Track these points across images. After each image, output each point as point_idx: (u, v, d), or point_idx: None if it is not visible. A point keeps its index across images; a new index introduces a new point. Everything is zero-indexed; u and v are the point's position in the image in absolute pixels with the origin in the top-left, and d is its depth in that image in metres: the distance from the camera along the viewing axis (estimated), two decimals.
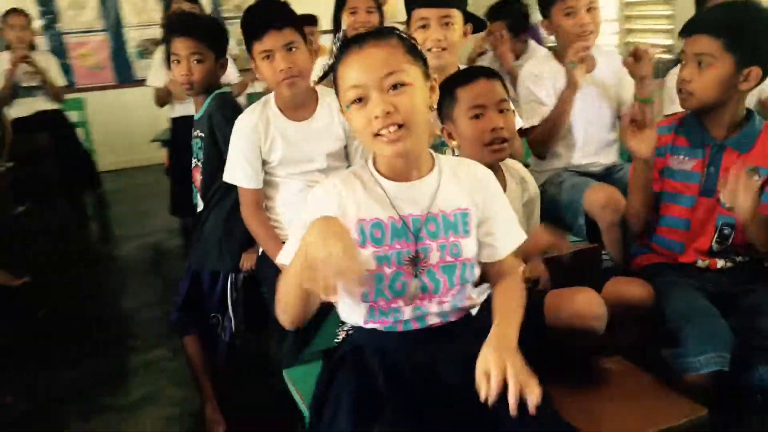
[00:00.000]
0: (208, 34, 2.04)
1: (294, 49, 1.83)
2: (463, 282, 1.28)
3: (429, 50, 1.97)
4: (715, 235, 1.64)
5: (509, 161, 1.75)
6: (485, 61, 3.36)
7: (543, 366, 1.22)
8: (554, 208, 2.16)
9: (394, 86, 1.17)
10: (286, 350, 1.70)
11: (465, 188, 1.29)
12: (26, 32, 4.12)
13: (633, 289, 1.61)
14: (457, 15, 2.00)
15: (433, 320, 1.27)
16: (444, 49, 1.99)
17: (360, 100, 1.18)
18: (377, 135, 1.18)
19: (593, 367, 1.58)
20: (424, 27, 1.99)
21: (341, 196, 1.24)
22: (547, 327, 1.49)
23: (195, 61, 1.99)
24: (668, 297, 1.58)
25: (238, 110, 2.02)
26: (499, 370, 1.09)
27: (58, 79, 4.24)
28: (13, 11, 4.13)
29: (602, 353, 1.62)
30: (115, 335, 2.89)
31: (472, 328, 1.31)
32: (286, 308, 1.19)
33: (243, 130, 1.90)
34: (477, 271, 1.32)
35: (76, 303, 3.21)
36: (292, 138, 1.90)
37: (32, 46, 4.17)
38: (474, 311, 1.35)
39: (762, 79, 1.59)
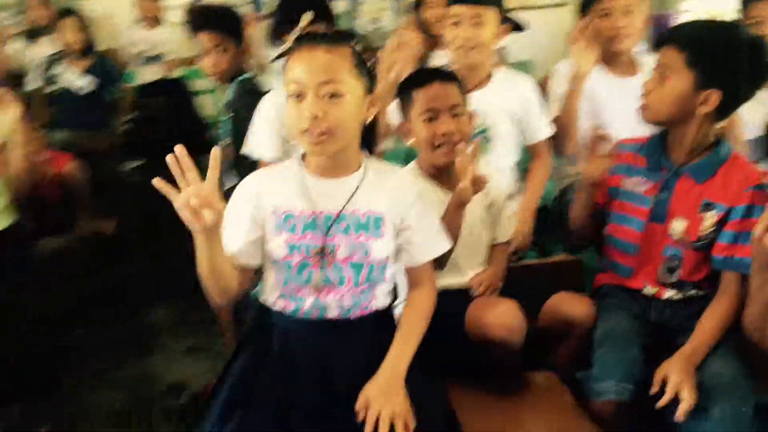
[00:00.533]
0: (226, 24, 2.23)
1: None
2: (369, 281, 1.39)
3: (459, 48, 2.04)
4: (662, 266, 1.59)
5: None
6: None
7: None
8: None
9: (331, 95, 1.27)
10: None
11: (385, 194, 1.38)
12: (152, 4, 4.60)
13: (574, 308, 1.62)
14: (490, 15, 2.01)
15: (332, 313, 1.39)
16: (472, 48, 2.02)
17: (298, 95, 1.29)
18: (304, 132, 1.29)
19: (518, 378, 1.63)
20: (456, 24, 2.03)
21: (261, 185, 1.39)
22: (468, 335, 1.56)
23: (220, 52, 2.20)
24: (600, 319, 1.58)
25: (258, 93, 2.19)
26: (375, 410, 1.24)
27: (180, 51, 4.68)
28: None
29: (537, 368, 1.67)
30: None
31: (373, 327, 1.41)
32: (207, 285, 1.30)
33: (267, 108, 2.07)
34: (388, 274, 1.42)
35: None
36: None
37: (157, 20, 4.66)
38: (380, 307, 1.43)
39: (725, 108, 1.51)
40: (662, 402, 1.37)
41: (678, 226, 1.56)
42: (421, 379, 1.38)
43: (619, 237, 1.67)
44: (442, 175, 1.72)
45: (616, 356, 1.47)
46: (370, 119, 1.38)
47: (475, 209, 1.73)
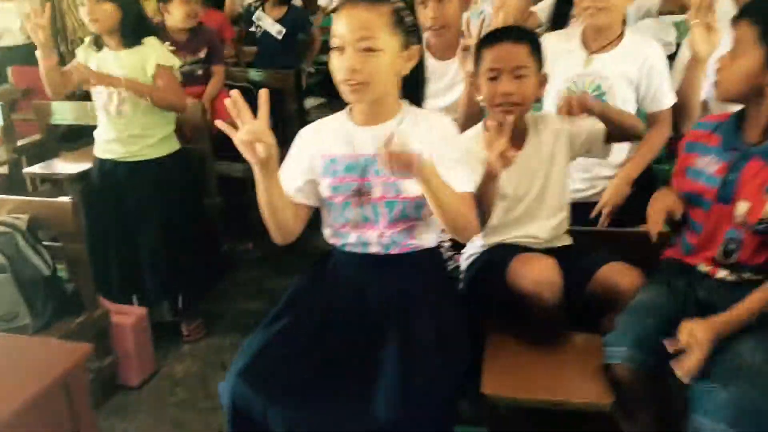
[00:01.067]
0: None
1: None
2: (403, 217, 1.54)
3: (586, 9, 2.03)
4: (721, 246, 1.55)
5: (542, 117, 1.86)
6: None
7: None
8: None
9: (367, 49, 1.44)
10: None
11: (419, 134, 1.50)
12: None
13: (623, 278, 1.66)
14: None
15: (374, 249, 1.58)
16: (600, 9, 2.00)
17: (340, 48, 1.46)
18: (344, 82, 1.47)
19: (559, 337, 1.72)
20: None
21: (314, 133, 1.61)
22: (509, 288, 1.67)
23: None
24: (641, 290, 1.59)
25: None
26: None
27: None
28: None
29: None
30: None
31: (413, 264, 1.58)
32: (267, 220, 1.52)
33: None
34: (425, 211, 1.55)
35: None
36: None
37: None
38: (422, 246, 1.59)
39: None
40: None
41: (742, 207, 1.51)
42: (457, 316, 1.55)
43: (689, 214, 1.64)
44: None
45: (633, 324, 1.50)
46: (406, 72, 1.51)
47: (536, 154, 1.80)
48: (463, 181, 1.50)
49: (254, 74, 4.23)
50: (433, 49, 2.28)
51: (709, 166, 1.59)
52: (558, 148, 1.84)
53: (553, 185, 1.84)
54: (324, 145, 1.59)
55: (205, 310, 2.93)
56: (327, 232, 1.66)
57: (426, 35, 2.25)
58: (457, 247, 1.95)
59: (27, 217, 2.23)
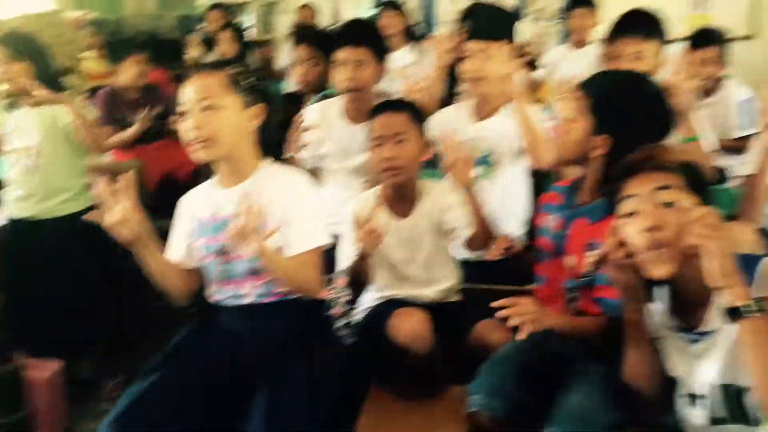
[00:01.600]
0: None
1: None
2: (264, 271, 1.60)
3: (468, 80, 2.19)
4: (564, 298, 1.66)
5: (434, 186, 1.96)
6: None
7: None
8: None
9: (207, 107, 1.56)
10: None
11: (271, 192, 1.60)
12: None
13: (492, 335, 1.76)
14: (499, 49, 2.14)
15: (248, 300, 1.66)
16: (480, 79, 2.16)
17: (185, 113, 1.58)
18: (191, 141, 1.58)
19: (437, 389, 1.78)
20: (467, 57, 2.17)
21: (188, 199, 1.73)
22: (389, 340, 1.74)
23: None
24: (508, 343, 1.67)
25: None
26: None
27: None
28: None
29: None
30: None
31: (287, 311, 1.66)
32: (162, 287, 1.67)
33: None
34: None
35: None
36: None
37: None
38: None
39: (615, 154, 1.53)
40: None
41: (570, 261, 1.63)
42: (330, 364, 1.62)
43: (539, 270, 1.77)
44: (395, 200, 1.92)
45: (490, 374, 1.57)
46: (251, 129, 1.63)
47: (424, 217, 1.90)
48: (308, 238, 1.61)
49: None
50: (348, 113, 2.39)
51: (551, 223, 1.72)
52: (447, 218, 1.93)
53: (440, 252, 1.94)
54: (196, 209, 1.70)
55: (127, 368, 2.92)
56: (208, 291, 1.73)
57: (343, 99, 2.37)
58: (353, 301, 2.02)
59: None
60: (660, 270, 1.30)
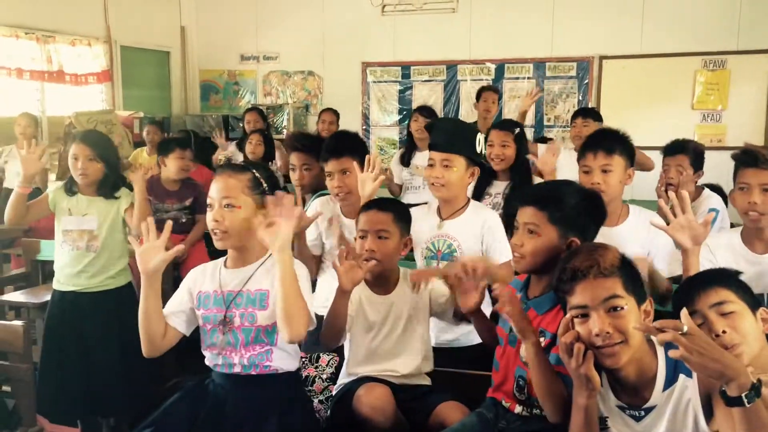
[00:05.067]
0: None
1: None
2: (258, 342, 1.87)
3: (431, 185, 2.48)
4: (514, 384, 1.84)
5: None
6: None
7: None
8: None
9: (227, 205, 1.87)
10: None
11: (270, 274, 1.87)
12: None
13: (452, 414, 1.96)
14: (458, 160, 2.41)
15: (237, 369, 1.91)
16: (443, 185, 2.43)
17: (210, 206, 1.91)
18: (211, 231, 1.89)
19: None
20: (431, 165, 2.46)
21: (196, 273, 2.00)
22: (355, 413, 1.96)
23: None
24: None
25: None
26: None
27: None
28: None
29: None
30: None
31: (273, 385, 1.89)
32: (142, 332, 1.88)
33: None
34: (277, 337, 1.88)
35: None
36: None
37: None
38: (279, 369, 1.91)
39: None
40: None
41: (522, 349, 1.81)
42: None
43: (495, 355, 1.96)
44: (377, 281, 2.19)
45: None
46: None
47: (402, 309, 2.14)
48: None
49: None
50: (344, 211, 2.71)
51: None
52: (422, 300, 2.19)
53: (414, 329, 2.18)
54: (203, 283, 1.98)
55: None
56: (205, 356, 1.99)
57: (337, 200, 2.69)
58: (333, 378, 2.25)
59: None
60: (610, 362, 1.51)
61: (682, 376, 1.53)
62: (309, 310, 1.81)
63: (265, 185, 1.94)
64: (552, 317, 1.80)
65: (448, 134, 2.46)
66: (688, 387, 1.52)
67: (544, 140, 4.92)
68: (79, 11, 6.67)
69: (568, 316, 1.58)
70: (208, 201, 1.92)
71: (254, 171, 1.95)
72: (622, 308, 1.51)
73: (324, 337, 2.09)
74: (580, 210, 1.85)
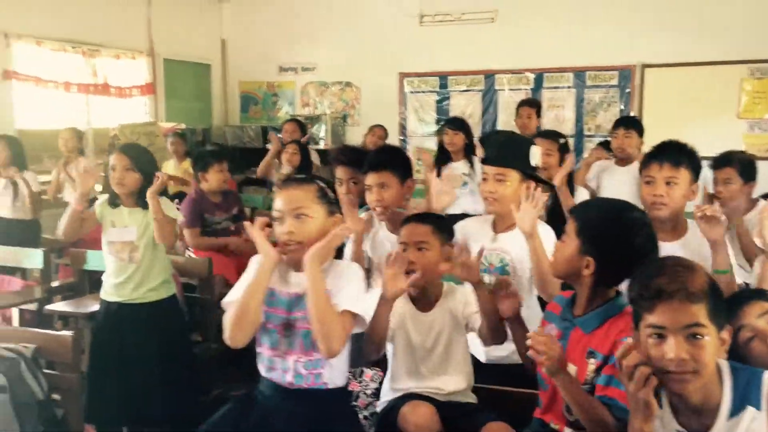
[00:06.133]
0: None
1: None
2: (315, 347, 1.82)
3: (485, 199, 2.46)
4: (564, 405, 1.79)
5: (455, 289, 2.21)
6: None
7: None
8: None
9: (299, 215, 1.87)
10: None
11: (333, 279, 1.87)
12: None
13: None
14: (512, 174, 2.38)
15: (288, 378, 1.88)
16: (495, 200, 2.41)
17: (280, 219, 1.89)
18: (283, 243, 1.86)
19: None
20: (484, 179, 2.44)
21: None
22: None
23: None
24: None
25: None
26: None
27: None
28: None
29: None
30: None
31: (320, 400, 1.88)
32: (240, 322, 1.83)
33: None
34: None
35: None
36: None
37: None
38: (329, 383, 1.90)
39: (608, 275, 1.75)
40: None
41: (570, 369, 1.77)
42: None
43: (540, 374, 1.90)
44: (419, 297, 2.18)
45: None
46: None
47: (443, 326, 2.12)
48: (347, 302, 1.83)
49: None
50: (386, 224, 2.70)
51: (551, 332, 1.87)
52: (458, 315, 2.17)
53: (456, 346, 2.16)
54: (272, 280, 1.91)
55: None
56: (258, 361, 1.97)
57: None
58: (377, 394, 2.24)
59: (34, 347, 2.64)
60: (678, 387, 1.45)
61: (750, 408, 1.46)
62: (345, 324, 1.81)
63: (330, 194, 1.95)
64: (601, 336, 1.76)
65: (501, 148, 2.43)
66: (756, 419, 1.45)
67: (607, 144, 4.82)
68: (124, 25, 6.84)
69: (631, 340, 1.50)
70: (275, 215, 1.89)
71: (318, 182, 1.95)
72: (703, 337, 1.42)
73: (365, 346, 2.08)
74: (610, 237, 1.77)
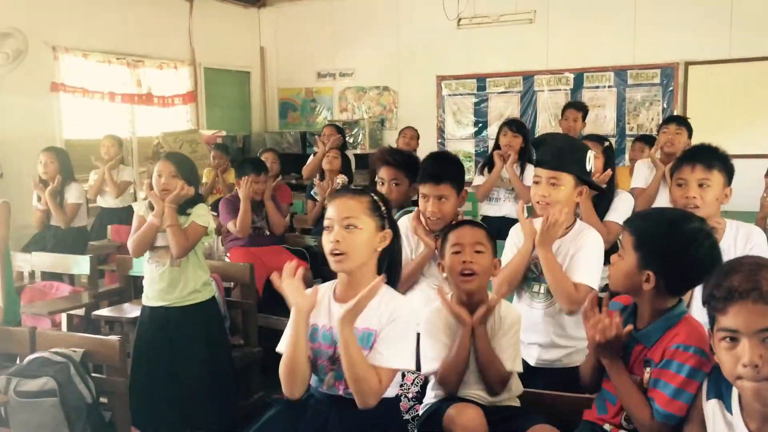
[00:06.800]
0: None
1: None
2: None
3: (537, 203, 2.40)
4: (623, 414, 1.77)
5: (505, 307, 2.16)
6: None
7: None
8: None
9: (349, 225, 1.83)
10: None
11: (379, 314, 1.83)
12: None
13: None
14: (566, 178, 2.33)
15: (340, 392, 1.84)
16: (548, 204, 2.34)
17: (329, 228, 1.84)
18: (330, 252, 1.83)
19: None
20: (536, 182, 2.39)
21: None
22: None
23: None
24: None
25: None
26: None
27: None
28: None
29: None
30: None
31: (371, 410, 1.80)
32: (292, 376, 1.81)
33: None
34: None
35: None
36: None
37: None
38: None
39: (671, 288, 1.72)
40: None
41: (635, 381, 1.74)
42: None
43: (604, 385, 1.86)
44: (470, 303, 2.12)
45: None
46: (380, 249, 1.87)
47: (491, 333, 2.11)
48: (391, 358, 1.79)
49: (309, 240, 4.81)
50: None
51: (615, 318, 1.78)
52: (507, 325, 2.13)
53: (498, 349, 2.12)
54: (316, 315, 1.89)
55: None
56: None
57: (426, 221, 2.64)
58: (419, 398, 2.23)
59: (82, 351, 2.71)
60: (750, 393, 1.38)
61: None
62: (383, 378, 1.77)
63: (383, 209, 1.91)
64: (659, 345, 1.72)
65: (556, 151, 2.38)
66: None
67: (650, 139, 4.76)
68: (166, 36, 6.99)
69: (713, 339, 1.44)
70: (326, 223, 1.87)
71: (372, 194, 1.92)
72: None
73: (443, 379, 2.07)
74: (670, 250, 1.71)
